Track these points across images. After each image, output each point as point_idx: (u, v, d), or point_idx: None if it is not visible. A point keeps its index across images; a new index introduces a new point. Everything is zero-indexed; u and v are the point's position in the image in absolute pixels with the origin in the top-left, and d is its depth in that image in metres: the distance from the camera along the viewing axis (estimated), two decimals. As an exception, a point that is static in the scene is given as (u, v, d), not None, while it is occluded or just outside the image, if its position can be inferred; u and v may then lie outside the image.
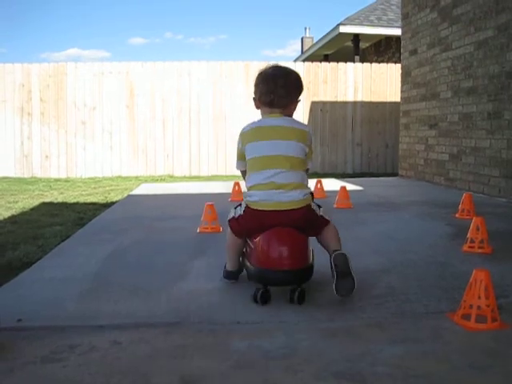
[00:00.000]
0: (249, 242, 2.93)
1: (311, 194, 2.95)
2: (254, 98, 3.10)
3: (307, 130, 3.01)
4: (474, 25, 7.51)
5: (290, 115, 3.04)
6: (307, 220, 2.88)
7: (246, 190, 3.01)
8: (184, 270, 3.47)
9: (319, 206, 3.05)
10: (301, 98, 3.11)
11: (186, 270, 3.47)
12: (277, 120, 2.96)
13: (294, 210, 2.81)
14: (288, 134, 2.90)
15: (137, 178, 11.86)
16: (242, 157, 3.06)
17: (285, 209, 2.80)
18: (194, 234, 4.68)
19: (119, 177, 12.11)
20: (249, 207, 2.90)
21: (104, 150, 12.29)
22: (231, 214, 3.07)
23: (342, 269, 2.73)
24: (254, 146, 2.94)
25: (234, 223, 2.99)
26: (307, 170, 3.06)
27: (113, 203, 7.39)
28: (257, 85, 3.03)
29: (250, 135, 2.99)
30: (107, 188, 9.88)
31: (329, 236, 2.97)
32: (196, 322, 2.56)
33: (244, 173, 3.13)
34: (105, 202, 7.94)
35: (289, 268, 2.73)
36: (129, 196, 7.83)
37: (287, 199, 2.80)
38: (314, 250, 2.96)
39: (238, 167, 3.22)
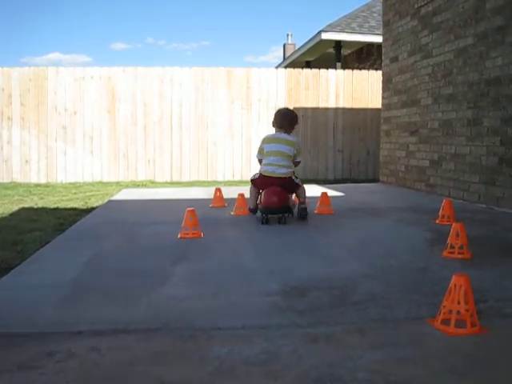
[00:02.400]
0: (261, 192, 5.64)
1: (293, 172, 5.74)
2: (272, 122, 5.92)
3: (294, 141, 5.80)
4: (453, 33, 7.59)
5: (289, 133, 5.82)
6: (288, 184, 5.59)
7: (260, 167, 5.74)
8: (165, 275, 3.44)
9: (297, 177, 5.77)
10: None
11: (167, 275, 3.45)
12: (281, 134, 5.78)
13: (281, 178, 5.53)
14: (284, 141, 5.70)
15: (118, 183, 11.79)
16: (261, 150, 5.82)
17: (277, 176, 5.52)
18: (175, 239, 4.66)
19: (100, 182, 12.03)
20: (261, 174, 5.67)
21: (85, 154, 12.20)
22: (252, 177, 5.87)
23: (302, 213, 5.60)
24: (268, 145, 5.73)
25: (254, 180, 5.78)
26: (298, 163, 5.87)
27: (93, 208, 7.33)
28: (276, 116, 5.91)
29: (267, 139, 5.81)
30: (88, 193, 9.81)
31: (299, 193, 5.74)
32: (176, 327, 2.54)
33: (260, 161, 5.83)
34: (85, 207, 7.88)
35: (276, 205, 5.39)
36: (109, 201, 7.78)
37: (278, 171, 5.53)
38: (295, 204, 5.82)
39: (257, 157, 5.95)
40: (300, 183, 5.72)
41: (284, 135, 5.70)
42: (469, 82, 7.20)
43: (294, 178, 5.63)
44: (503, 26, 6.46)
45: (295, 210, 5.71)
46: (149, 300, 2.93)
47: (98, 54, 73.48)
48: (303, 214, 5.55)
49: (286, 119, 5.78)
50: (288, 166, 5.58)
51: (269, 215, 5.39)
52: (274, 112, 5.95)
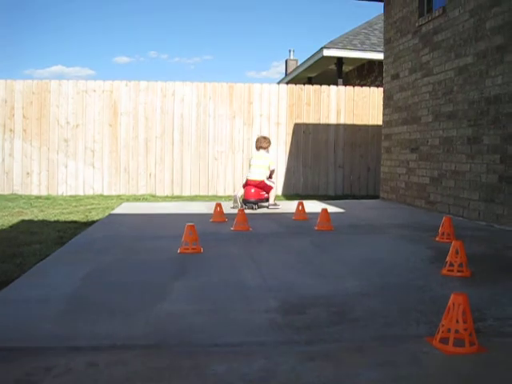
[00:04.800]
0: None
1: (266, 177, 8.30)
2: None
3: (267, 156, 8.56)
4: (454, 51, 7.64)
5: (267, 150, 8.62)
6: (261, 185, 8.24)
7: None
8: (164, 290, 3.44)
9: (273, 182, 8.44)
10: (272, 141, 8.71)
11: (166, 290, 3.45)
12: (258, 152, 8.58)
13: (256, 181, 8.23)
14: (259, 157, 8.48)
15: (118, 196, 11.79)
16: (249, 164, 8.67)
17: (253, 179, 8.26)
18: (175, 254, 4.66)
19: (101, 195, 12.03)
20: (247, 178, 8.42)
21: (86, 167, 12.22)
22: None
23: (269, 207, 8.33)
24: (251, 160, 8.61)
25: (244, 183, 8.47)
26: (272, 171, 8.45)
27: (94, 222, 7.33)
28: (256, 141, 8.73)
29: (252, 156, 8.80)
30: (88, 206, 9.81)
31: (270, 195, 8.35)
32: (174, 344, 2.54)
33: None
34: (85, 220, 7.89)
35: (250, 198, 8.23)
36: (110, 215, 7.78)
37: (253, 177, 8.27)
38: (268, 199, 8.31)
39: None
40: (272, 185, 8.40)
41: (259, 152, 8.54)
42: (469, 100, 7.23)
43: (265, 181, 8.33)
44: (503, 45, 6.50)
45: (266, 204, 8.41)
46: (147, 315, 2.93)
47: (101, 67, 73.69)
48: (269, 207, 8.37)
49: (257, 143, 8.65)
50: (260, 173, 8.32)
51: (246, 204, 8.25)
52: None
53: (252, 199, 8.21)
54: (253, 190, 8.22)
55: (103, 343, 2.52)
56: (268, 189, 8.33)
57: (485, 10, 6.89)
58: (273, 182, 8.47)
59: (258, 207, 8.26)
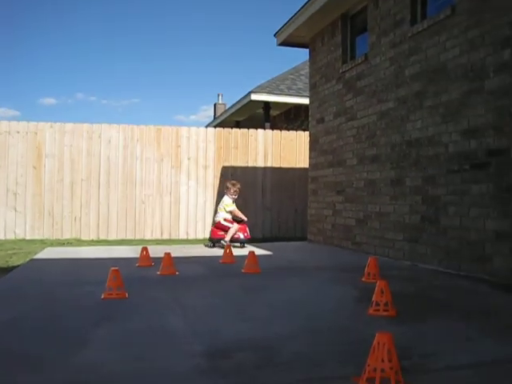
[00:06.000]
0: None
1: (223, 219, 9.22)
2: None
3: (223, 200, 9.46)
4: (376, 96, 7.91)
5: (228, 195, 9.46)
6: (219, 225, 9.24)
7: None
8: (85, 338, 3.30)
9: (232, 222, 9.17)
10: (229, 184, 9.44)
11: (88, 338, 3.30)
12: (224, 196, 9.61)
13: (216, 222, 9.38)
14: (222, 201, 9.54)
15: (42, 241, 11.39)
16: None
17: (215, 221, 9.47)
18: (99, 300, 4.50)
19: (23, 240, 11.59)
20: None
21: (8, 211, 11.78)
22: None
23: (222, 244, 8.94)
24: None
25: None
26: (229, 212, 9.25)
27: (14, 267, 7.03)
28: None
29: None
30: (9, 251, 9.42)
31: (228, 233, 9.04)
32: (94, 394, 2.42)
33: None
34: (6, 266, 7.55)
35: (211, 237, 9.49)
36: (32, 260, 7.49)
37: (216, 218, 9.50)
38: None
39: None
40: (228, 226, 9.10)
41: (223, 197, 9.56)
42: (391, 144, 7.47)
43: (221, 222, 9.20)
44: (421, 91, 6.79)
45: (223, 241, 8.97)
46: (66, 365, 2.78)
47: (27, 109, 72.08)
48: (222, 245, 8.79)
49: (227, 189, 9.61)
50: (219, 215, 9.37)
51: (211, 242, 9.40)
52: None
53: (212, 237, 9.40)
54: (212, 231, 9.46)
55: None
56: (225, 228, 9.12)
57: (404, 58, 7.20)
58: (230, 222, 9.19)
59: (216, 245, 9.18)
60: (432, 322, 3.82)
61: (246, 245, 9.14)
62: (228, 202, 9.42)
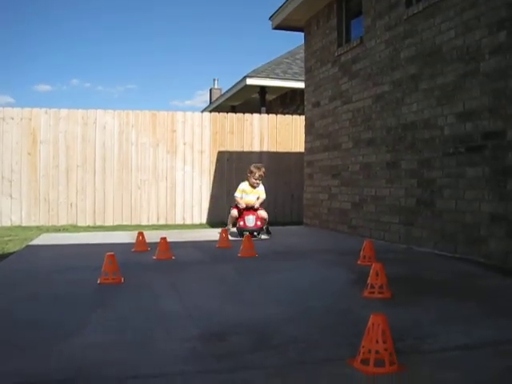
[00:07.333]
0: None
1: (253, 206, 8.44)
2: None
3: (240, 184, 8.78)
4: (371, 79, 7.88)
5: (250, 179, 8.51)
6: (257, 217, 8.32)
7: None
8: (81, 323, 3.30)
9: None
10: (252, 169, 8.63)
11: (83, 323, 3.30)
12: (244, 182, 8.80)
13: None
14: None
15: (38, 227, 11.37)
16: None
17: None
18: (95, 285, 4.50)
19: (19, 226, 11.57)
20: None
21: (3, 198, 11.74)
22: None
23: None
24: None
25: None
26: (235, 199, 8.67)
27: (10, 254, 7.02)
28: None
29: None
30: (5, 238, 9.40)
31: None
32: (89, 377, 2.42)
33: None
34: (1, 252, 7.54)
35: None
36: (28, 246, 7.48)
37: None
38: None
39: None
40: (262, 215, 8.34)
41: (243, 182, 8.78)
42: (387, 127, 7.46)
43: (259, 212, 8.38)
44: (416, 74, 6.77)
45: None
46: (61, 350, 2.78)
47: (21, 95, 71.85)
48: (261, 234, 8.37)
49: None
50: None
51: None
52: None
53: (255, 228, 8.19)
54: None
55: (13, 381, 2.37)
56: (262, 216, 8.31)
57: (399, 41, 7.17)
58: (237, 209, 8.35)
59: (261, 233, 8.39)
60: (427, 304, 3.83)
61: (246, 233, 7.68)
62: (240, 188, 8.54)
